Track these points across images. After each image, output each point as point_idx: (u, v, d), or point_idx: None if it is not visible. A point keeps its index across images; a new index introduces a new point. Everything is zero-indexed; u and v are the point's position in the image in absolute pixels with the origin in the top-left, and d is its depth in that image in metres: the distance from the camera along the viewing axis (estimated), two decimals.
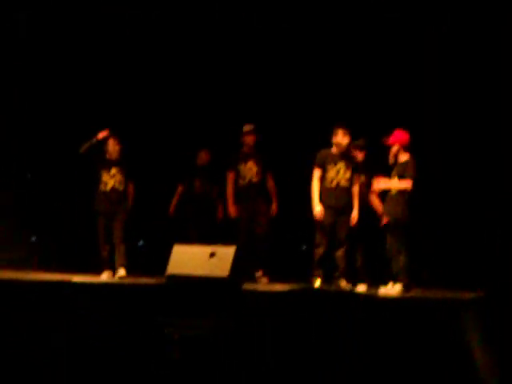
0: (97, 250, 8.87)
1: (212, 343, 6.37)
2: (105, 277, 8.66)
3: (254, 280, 8.48)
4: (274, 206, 8.90)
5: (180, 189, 9.74)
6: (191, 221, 9.59)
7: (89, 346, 6.68)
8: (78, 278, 7.90)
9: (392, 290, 7.41)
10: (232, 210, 8.88)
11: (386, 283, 7.54)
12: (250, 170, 8.88)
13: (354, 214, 8.13)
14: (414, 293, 7.33)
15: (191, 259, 6.72)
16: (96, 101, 10.41)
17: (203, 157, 9.67)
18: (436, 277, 8.39)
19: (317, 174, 8.18)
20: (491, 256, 8.42)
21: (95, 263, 8.90)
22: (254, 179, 8.87)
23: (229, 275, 6.53)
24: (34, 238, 10.63)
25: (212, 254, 6.63)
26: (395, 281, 7.46)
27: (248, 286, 7.13)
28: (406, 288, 7.39)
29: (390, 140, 7.63)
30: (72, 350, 6.67)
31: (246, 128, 8.96)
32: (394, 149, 7.63)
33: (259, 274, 8.63)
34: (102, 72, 10.44)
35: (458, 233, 8.80)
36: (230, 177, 8.96)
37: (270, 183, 8.95)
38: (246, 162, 8.90)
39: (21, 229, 10.36)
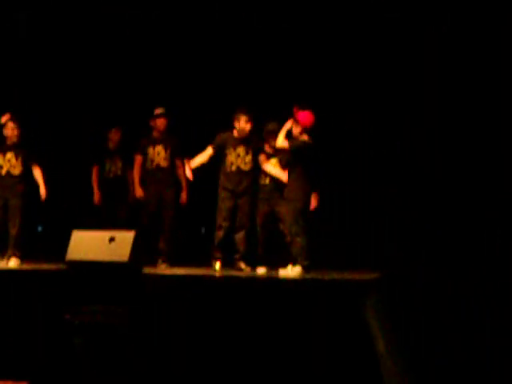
0: None
1: (114, 329, 6.36)
2: (1, 263, 8.51)
3: (154, 264, 8.47)
4: (183, 194, 8.85)
5: (95, 172, 9.28)
6: (104, 205, 9.23)
7: None
8: None
9: (292, 272, 7.52)
10: (138, 191, 8.82)
11: (285, 265, 7.66)
12: (159, 154, 8.82)
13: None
14: (314, 275, 7.45)
15: (91, 245, 6.66)
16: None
17: (114, 136, 9.28)
18: (339, 259, 8.54)
19: (207, 150, 8.27)
20: (393, 237, 8.63)
21: None
22: (162, 164, 8.80)
23: (128, 260, 6.51)
24: None
25: (111, 239, 6.59)
26: (294, 263, 7.57)
27: (148, 271, 7.12)
28: (305, 270, 7.51)
29: (298, 117, 7.70)
30: None
31: (157, 111, 8.87)
32: (297, 128, 7.72)
33: (161, 259, 8.61)
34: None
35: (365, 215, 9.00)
36: (138, 160, 8.89)
37: (180, 169, 8.84)
38: (154, 145, 8.82)
39: None
